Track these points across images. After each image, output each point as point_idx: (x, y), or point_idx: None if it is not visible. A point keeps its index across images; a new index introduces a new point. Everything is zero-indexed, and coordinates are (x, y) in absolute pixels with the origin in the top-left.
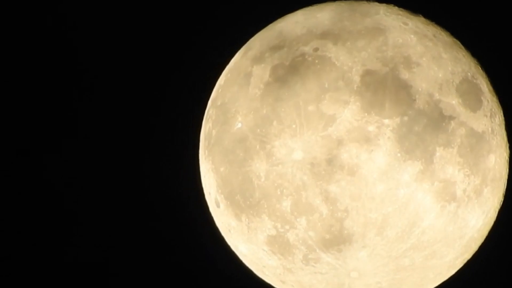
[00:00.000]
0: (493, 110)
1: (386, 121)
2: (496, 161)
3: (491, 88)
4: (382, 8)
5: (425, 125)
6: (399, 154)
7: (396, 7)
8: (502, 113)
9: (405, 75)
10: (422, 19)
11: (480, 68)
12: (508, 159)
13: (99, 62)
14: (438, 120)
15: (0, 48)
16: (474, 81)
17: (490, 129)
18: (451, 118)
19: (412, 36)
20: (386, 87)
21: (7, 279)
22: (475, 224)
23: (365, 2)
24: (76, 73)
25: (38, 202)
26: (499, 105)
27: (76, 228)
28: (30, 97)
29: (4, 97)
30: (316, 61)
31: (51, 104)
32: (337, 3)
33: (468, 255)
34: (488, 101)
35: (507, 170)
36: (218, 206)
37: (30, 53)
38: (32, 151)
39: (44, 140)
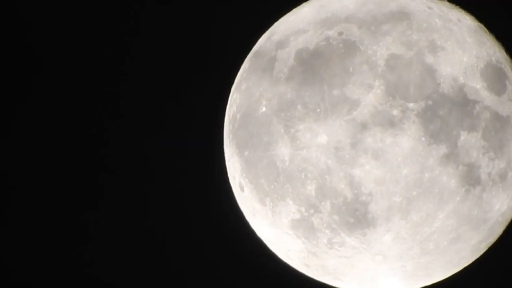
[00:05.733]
0: None
1: (411, 105)
2: None
3: None
4: None
5: (450, 109)
6: (423, 138)
7: None
8: None
9: (429, 59)
10: (447, 3)
11: (504, 52)
12: None
13: (127, 50)
14: (463, 104)
15: None
16: (499, 65)
17: None
18: (475, 102)
19: (437, 20)
20: (410, 71)
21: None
22: (500, 208)
23: None
24: (109, 61)
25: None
26: None
27: (99, 213)
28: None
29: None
30: (341, 45)
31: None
32: None
33: (492, 239)
34: None
35: None
36: (242, 190)
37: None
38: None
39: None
